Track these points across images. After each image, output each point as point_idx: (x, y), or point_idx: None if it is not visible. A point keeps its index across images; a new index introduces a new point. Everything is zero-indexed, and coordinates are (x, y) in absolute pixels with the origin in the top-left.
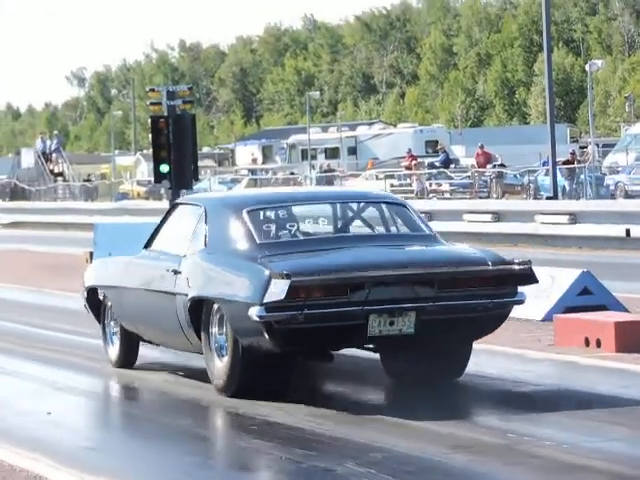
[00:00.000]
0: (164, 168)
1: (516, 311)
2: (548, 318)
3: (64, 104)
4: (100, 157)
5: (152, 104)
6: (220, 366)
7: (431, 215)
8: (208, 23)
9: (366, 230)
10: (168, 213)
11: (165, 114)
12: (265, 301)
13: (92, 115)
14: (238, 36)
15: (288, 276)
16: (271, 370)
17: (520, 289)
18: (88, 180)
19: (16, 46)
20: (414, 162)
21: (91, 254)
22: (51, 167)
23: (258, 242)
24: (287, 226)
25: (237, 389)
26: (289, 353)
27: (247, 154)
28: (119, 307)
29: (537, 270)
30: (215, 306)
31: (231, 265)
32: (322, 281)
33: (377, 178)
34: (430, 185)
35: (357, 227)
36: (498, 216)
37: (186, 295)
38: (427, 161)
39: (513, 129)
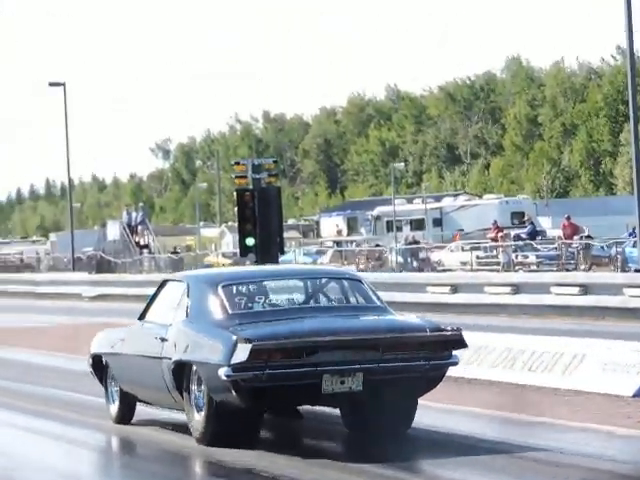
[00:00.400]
0: (250, 241)
1: (605, 387)
2: (639, 394)
3: (149, 176)
4: (185, 229)
5: (238, 177)
6: (198, 419)
7: (518, 287)
8: (292, 94)
9: (325, 302)
10: (158, 289)
11: (250, 187)
12: (232, 362)
13: (177, 187)
14: (322, 107)
15: (250, 341)
16: (241, 423)
17: (455, 352)
18: (174, 252)
19: (101, 118)
20: (500, 234)
21: None
22: (137, 239)
23: (230, 312)
24: (256, 299)
25: (211, 439)
26: (255, 409)
27: (332, 225)
28: (118, 371)
29: (626, 344)
30: (194, 368)
31: (206, 332)
32: (280, 345)
33: (463, 250)
34: (516, 257)
35: (319, 299)
36: (586, 289)
37: (170, 359)
38: (513, 232)
39: (599, 200)
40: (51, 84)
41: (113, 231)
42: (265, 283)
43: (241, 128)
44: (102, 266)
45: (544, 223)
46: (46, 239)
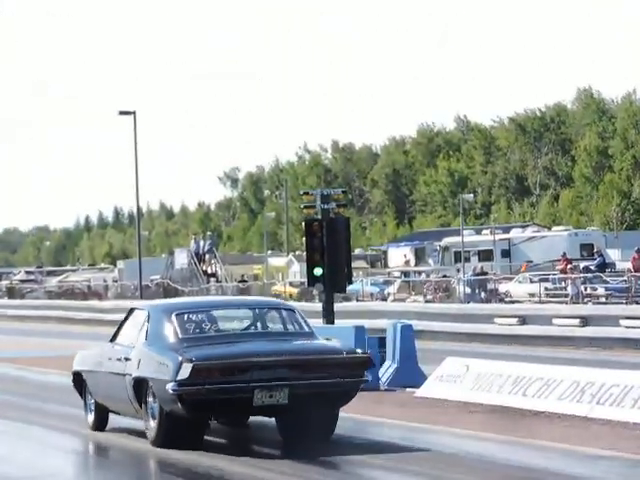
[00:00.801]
0: (318, 271)
1: None
2: None
3: (217, 204)
4: (253, 258)
5: (306, 207)
6: (153, 426)
7: (587, 320)
8: (361, 124)
9: (262, 328)
10: (126, 316)
11: (319, 217)
12: (177, 379)
13: (245, 216)
14: (391, 137)
15: (192, 361)
16: (187, 430)
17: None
18: (242, 281)
19: (169, 146)
20: (569, 265)
21: None
22: (204, 267)
23: (180, 337)
24: (203, 325)
25: (162, 442)
26: (198, 418)
27: (400, 256)
28: (93, 386)
29: None
30: (149, 383)
31: (159, 353)
32: (218, 365)
33: (531, 281)
34: (585, 289)
35: (257, 326)
36: None
37: (131, 375)
38: (582, 264)
39: None
40: (121, 112)
41: (181, 259)
42: (213, 312)
43: (310, 158)
44: (169, 294)
45: (613, 255)
46: (114, 267)
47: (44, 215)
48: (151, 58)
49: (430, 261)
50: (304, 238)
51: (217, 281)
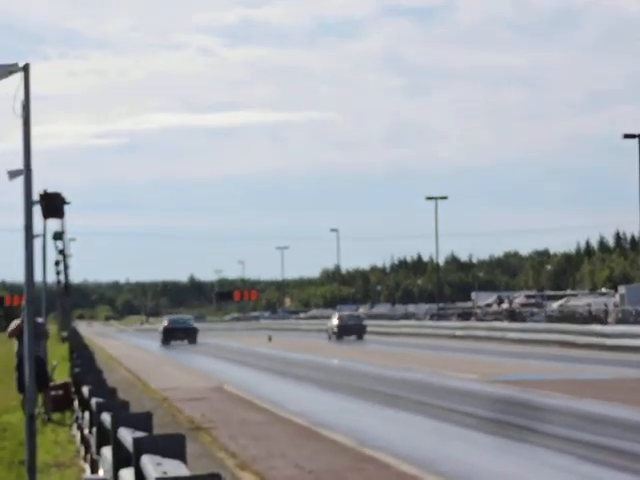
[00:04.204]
0: None
1: None
2: None
3: None
4: None
5: None
6: (160, 339)
7: None
8: None
9: (186, 322)
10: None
11: None
12: (163, 328)
13: None
14: None
15: (167, 323)
16: (165, 340)
17: None
18: None
19: None
20: None
21: None
22: None
23: (168, 320)
24: (174, 318)
25: (162, 344)
26: (168, 337)
27: None
28: (161, 333)
29: None
30: (163, 328)
31: (163, 324)
32: (172, 325)
33: None
34: None
35: (185, 321)
36: None
37: (160, 329)
38: None
39: None
40: (625, 136)
41: None
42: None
43: None
44: None
45: None
46: (615, 292)
47: (545, 239)
48: None
49: None
50: None
51: None
